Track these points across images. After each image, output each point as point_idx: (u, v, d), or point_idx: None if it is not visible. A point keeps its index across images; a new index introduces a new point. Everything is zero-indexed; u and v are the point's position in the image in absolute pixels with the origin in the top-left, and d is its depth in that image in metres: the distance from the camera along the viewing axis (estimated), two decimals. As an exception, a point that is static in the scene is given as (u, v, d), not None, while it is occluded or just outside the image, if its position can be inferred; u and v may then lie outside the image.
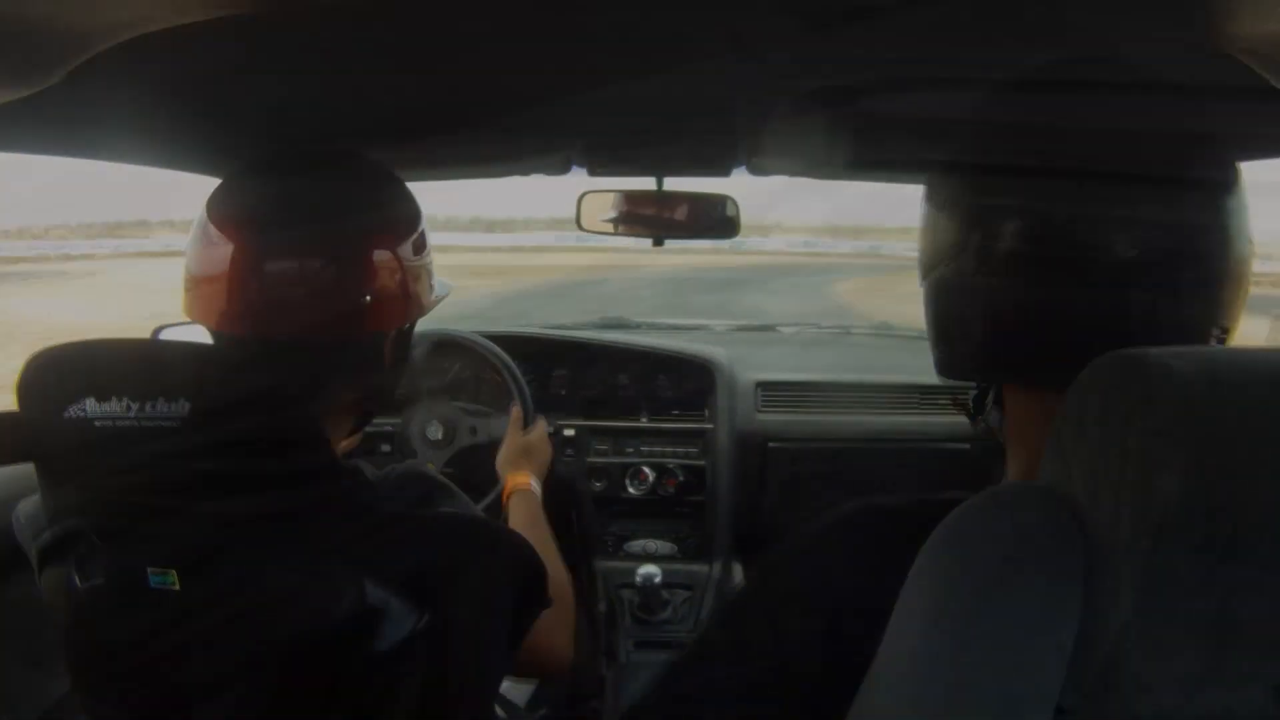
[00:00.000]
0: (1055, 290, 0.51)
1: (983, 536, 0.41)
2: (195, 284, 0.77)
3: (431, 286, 0.86)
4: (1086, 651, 0.39)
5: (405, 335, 0.86)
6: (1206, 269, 0.51)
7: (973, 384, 0.63)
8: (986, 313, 0.53)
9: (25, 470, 0.77)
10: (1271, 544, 0.37)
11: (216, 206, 0.78)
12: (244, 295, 0.75)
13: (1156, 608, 0.37)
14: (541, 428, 1.33)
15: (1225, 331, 0.52)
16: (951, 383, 0.63)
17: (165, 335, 1.25)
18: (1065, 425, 0.41)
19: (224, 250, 0.75)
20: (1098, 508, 0.39)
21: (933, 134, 0.64)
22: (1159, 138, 0.52)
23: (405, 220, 0.82)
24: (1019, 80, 0.56)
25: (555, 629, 0.89)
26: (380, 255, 0.78)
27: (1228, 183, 0.52)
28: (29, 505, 0.73)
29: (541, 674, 0.83)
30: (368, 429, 0.89)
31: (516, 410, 1.35)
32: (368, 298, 0.78)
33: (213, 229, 0.76)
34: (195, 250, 0.77)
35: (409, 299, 0.82)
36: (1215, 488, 0.36)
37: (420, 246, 0.83)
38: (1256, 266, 0.54)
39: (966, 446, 1.75)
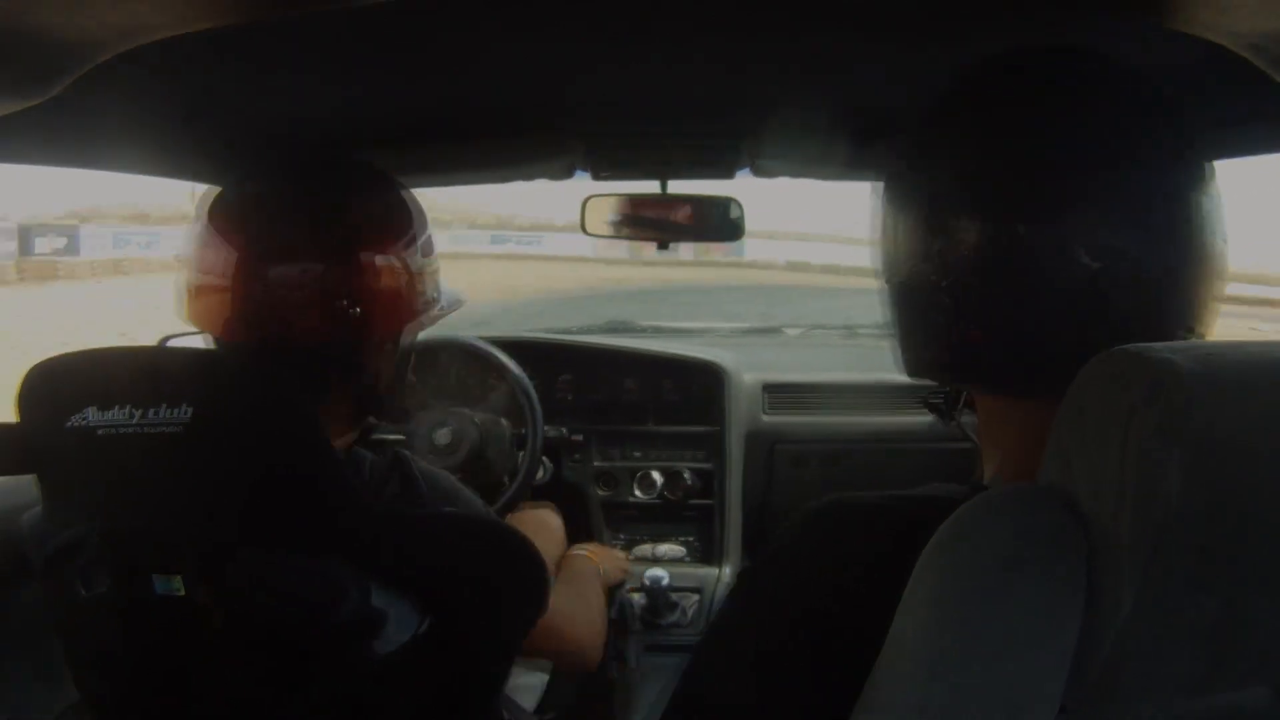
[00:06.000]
0: (1019, 298, 0.49)
1: (984, 538, 0.41)
2: (197, 292, 0.77)
3: (436, 293, 0.86)
4: (1089, 652, 0.39)
5: (407, 339, 0.86)
6: (1175, 271, 0.48)
7: (942, 386, 0.62)
8: (951, 319, 0.51)
9: (29, 481, 0.78)
10: (1274, 542, 0.36)
11: (218, 213, 0.78)
12: (247, 301, 0.75)
13: (1159, 607, 0.37)
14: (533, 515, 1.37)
15: (1193, 333, 0.50)
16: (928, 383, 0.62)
17: (172, 345, 1.26)
18: (1065, 423, 0.41)
19: (226, 257, 0.75)
20: (1099, 507, 0.38)
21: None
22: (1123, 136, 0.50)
23: (405, 225, 0.82)
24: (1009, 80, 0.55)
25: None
26: (382, 260, 0.78)
27: (1199, 182, 0.50)
28: (33, 516, 0.73)
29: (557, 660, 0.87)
30: (375, 436, 0.89)
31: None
32: (366, 302, 0.77)
33: (214, 235, 0.76)
34: (196, 257, 0.77)
35: (408, 304, 0.82)
36: (1217, 486, 0.35)
37: (427, 250, 0.83)
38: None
39: (972, 445, 1.74)
